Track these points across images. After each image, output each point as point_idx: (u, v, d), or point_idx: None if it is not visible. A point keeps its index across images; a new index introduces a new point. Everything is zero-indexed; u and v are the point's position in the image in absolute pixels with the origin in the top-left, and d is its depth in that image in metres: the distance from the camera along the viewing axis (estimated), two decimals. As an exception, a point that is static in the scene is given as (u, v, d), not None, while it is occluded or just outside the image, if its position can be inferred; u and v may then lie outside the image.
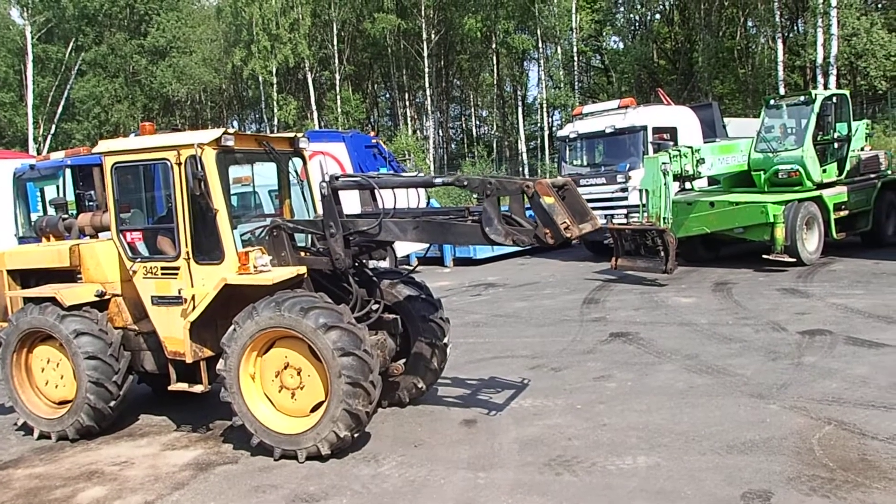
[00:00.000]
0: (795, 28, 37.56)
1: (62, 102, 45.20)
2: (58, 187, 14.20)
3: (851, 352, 8.25)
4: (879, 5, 35.10)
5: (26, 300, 7.30)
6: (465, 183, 6.14)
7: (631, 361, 8.60)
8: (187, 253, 6.53)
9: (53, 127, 45.02)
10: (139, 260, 6.85)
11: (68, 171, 14.08)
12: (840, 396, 6.76)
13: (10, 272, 7.74)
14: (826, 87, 27.63)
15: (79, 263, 7.28)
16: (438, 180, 6.86)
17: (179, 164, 6.44)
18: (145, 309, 6.89)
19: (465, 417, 7.02)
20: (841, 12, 28.27)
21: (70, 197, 13.70)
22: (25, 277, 7.74)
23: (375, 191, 6.58)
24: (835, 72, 28.86)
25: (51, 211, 12.55)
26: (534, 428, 6.58)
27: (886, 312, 9.94)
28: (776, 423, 6.24)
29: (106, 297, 7.14)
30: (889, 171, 16.59)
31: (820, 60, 28.98)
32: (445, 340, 7.41)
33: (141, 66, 47.16)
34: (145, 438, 7.10)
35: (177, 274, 6.62)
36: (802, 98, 15.42)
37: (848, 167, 15.54)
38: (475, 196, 6.67)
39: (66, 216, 8.41)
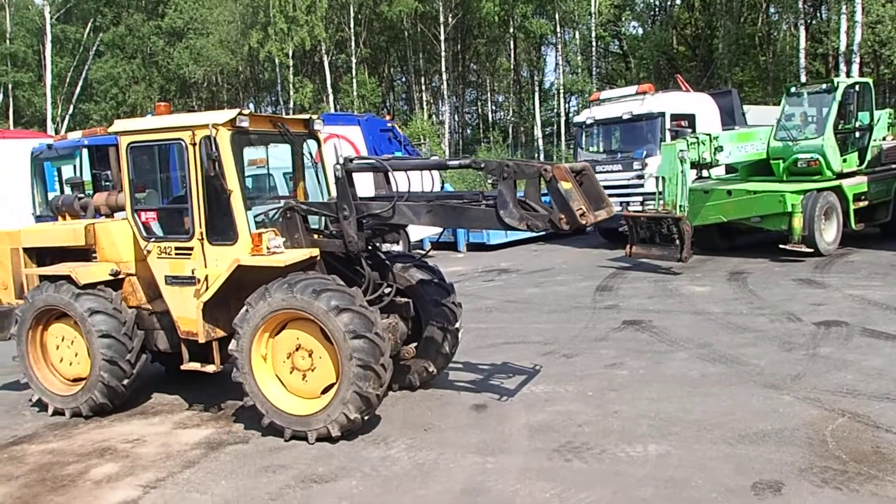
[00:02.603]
0: (818, 15, 37.00)
1: (80, 83, 45.38)
2: (74, 167, 14.27)
3: (867, 343, 8.17)
4: (905, -7, 34.49)
5: (42, 278, 7.34)
6: (483, 165, 6.11)
7: (643, 349, 8.56)
8: (201, 233, 6.54)
9: (71, 107, 45.25)
10: (153, 240, 6.88)
11: (85, 151, 14.15)
12: (854, 388, 6.70)
13: (26, 250, 7.79)
14: (849, 75, 27.21)
15: (94, 242, 7.32)
16: (454, 162, 6.84)
17: (194, 145, 6.44)
18: (159, 288, 6.93)
19: (475, 402, 7.02)
20: (866, -1, 27.82)
21: (87, 176, 13.78)
22: (41, 256, 7.79)
23: (389, 174, 6.56)
24: (858, 60, 28.41)
25: (67, 190, 12.65)
26: (544, 414, 6.57)
27: (904, 304, 9.84)
28: (789, 413, 6.19)
29: (120, 276, 7.18)
30: (910, 162, 16.35)
31: (843, 48, 28.53)
32: (457, 325, 7.40)
33: (158, 47, 47.23)
34: (157, 417, 7.16)
35: (190, 254, 6.65)
36: (824, 86, 15.21)
37: (869, 157, 15.34)
38: (490, 181, 6.64)
39: (81, 195, 8.44)
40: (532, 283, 13.74)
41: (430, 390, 7.42)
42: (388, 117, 21.95)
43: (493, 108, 52.82)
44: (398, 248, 14.40)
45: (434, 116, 45.40)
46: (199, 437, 6.51)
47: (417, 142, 32.81)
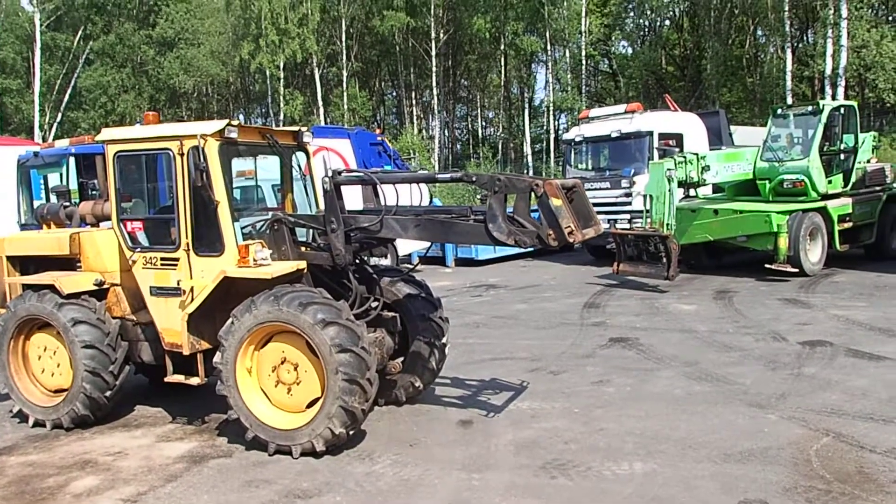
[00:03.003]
0: (805, 38, 37.53)
1: (69, 91, 45.23)
2: (61, 175, 14.17)
3: (851, 364, 8.21)
4: (890, 18, 35.03)
5: (25, 287, 7.27)
6: (474, 178, 6.11)
7: (630, 367, 8.56)
8: (187, 244, 6.50)
9: (59, 115, 45.06)
10: (139, 250, 6.82)
11: (72, 160, 14.05)
12: (839, 408, 6.72)
13: (9, 258, 7.72)
14: (834, 97, 27.56)
15: (78, 252, 7.24)
16: (444, 176, 6.84)
17: (182, 155, 6.41)
18: (144, 299, 6.86)
19: (461, 418, 6.99)
20: (851, 24, 28.22)
21: (73, 185, 13.68)
22: (25, 264, 7.71)
23: (378, 187, 6.55)
24: (843, 83, 28.80)
25: (53, 198, 12.55)
26: (530, 430, 6.54)
27: (888, 325, 9.90)
28: (774, 432, 6.20)
29: (105, 286, 7.11)
30: (895, 185, 16.51)
31: (829, 71, 28.93)
32: (444, 340, 7.38)
33: (148, 56, 47.21)
34: (140, 429, 7.08)
35: (176, 265, 6.59)
36: (810, 108, 15.36)
37: (854, 179, 15.47)
38: (479, 196, 6.64)
39: (67, 204, 8.39)
40: (520, 298, 13.74)
41: (417, 405, 7.38)
42: (378, 131, 21.98)
43: (483, 123, 53.11)
44: (386, 261, 14.37)
45: (424, 131, 45.55)
46: (182, 450, 6.44)
47: (407, 156, 32.87)
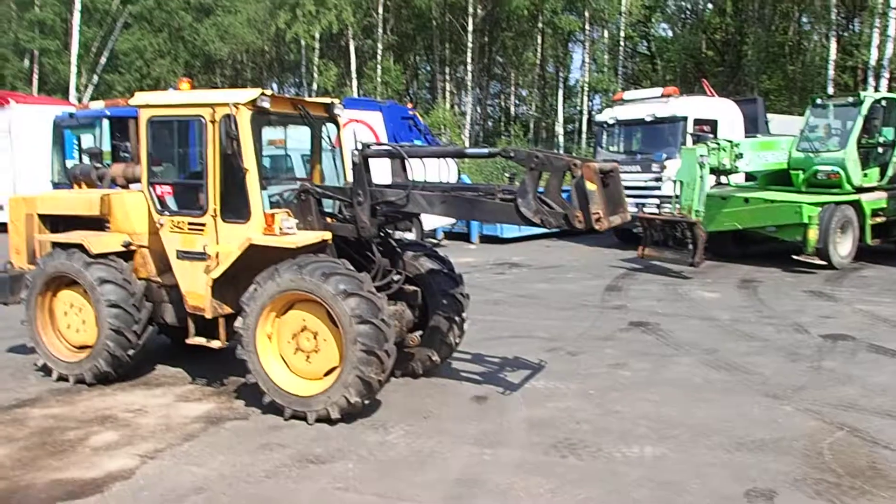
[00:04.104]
0: (851, 27, 36.57)
1: (106, 53, 45.56)
2: (95, 136, 14.39)
3: (873, 359, 8.12)
4: (939, 9, 34.00)
5: (54, 245, 7.41)
6: (512, 154, 6.09)
7: (648, 351, 8.55)
8: (215, 210, 6.58)
9: (95, 77, 45.45)
10: (167, 213, 6.93)
11: (106, 122, 14.27)
12: (856, 403, 6.67)
13: (41, 216, 7.87)
14: (877, 89, 26.92)
15: (108, 213, 7.36)
16: (475, 150, 6.82)
17: (214, 122, 6.47)
18: (170, 262, 6.98)
19: (476, 393, 7.05)
20: (899, 14, 27.46)
21: (106, 147, 13.88)
22: (55, 223, 7.86)
23: (406, 161, 6.58)
24: (887, 75, 28.08)
25: (86, 159, 12.75)
26: (544, 409, 6.58)
27: (914, 323, 9.76)
28: (788, 424, 6.18)
29: (132, 247, 7.24)
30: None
31: (873, 62, 28.21)
32: (464, 316, 7.43)
33: (186, 22, 47.36)
34: (160, 388, 7.24)
35: (203, 230, 6.69)
36: (851, 99, 15.10)
37: (890, 173, 15.19)
38: (507, 175, 6.62)
39: (99, 165, 8.51)
40: (542, 278, 13.74)
41: (433, 379, 7.45)
42: (410, 105, 21.96)
43: (517, 101, 52.59)
44: (410, 235, 14.44)
45: (456, 107, 45.28)
46: (200, 411, 6.58)
47: (438, 132, 32.78)
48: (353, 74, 41.81)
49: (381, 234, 7.07)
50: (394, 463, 5.45)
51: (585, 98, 41.27)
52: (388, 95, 39.02)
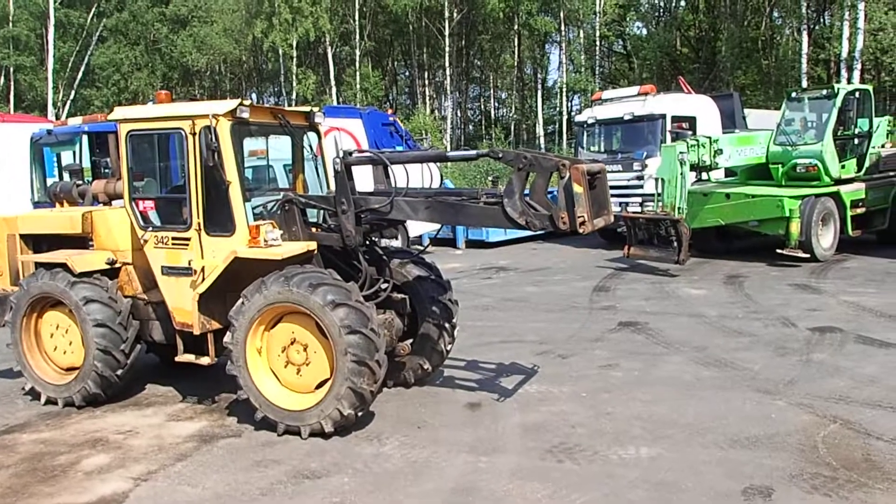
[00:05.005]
0: (821, 21, 36.96)
1: (82, 68, 45.22)
2: (74, 153, 14.22)
3: (861, 350, 8.19)
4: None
5: (38, 265, 7.33)
6: (500, 155, 6.08)
7: (638, 351, 8.57)
8: (199, 224, 6.52)
9: (73, 92, 45.09)
10: (151, 229, 6.86)
11: (85, 138, 14.09)
12: (847, 395, 6.71)
13: (22, 236, 7.77)
14: (850, 81, 27.24)
15: (91, 230, 7.29)
16: (458, 154, 6.79)
17: (194, 135, 6.42)
18: (155, 279, 6.90)
19: (469, 400, 7.03)
20: (868, 6, 27.81)
21: (86, 163, 13.72)
22: (38, 242, 7.76)
23: (389, 168, 6.55)
24: (859, 66, 28.44)
25: (66, 177, 12.61)
26: (538, 414, 6.57)
27: (899, 312, 9.85)
28: (781, 419, 6.21)
29: (116, 265, 7.16)
30: (909, 170, 16.36)
31: (845, 54, 28.54)
32: (453, 322, 7.41)
33: (162, 34, 47.11)
34: (151, 408, 7.15)
35: (187, 244, 6.63)
36: (825, 92, 15.22)
37: (867, 164, 15.35)
38: (490, 179, 6.60)
39: (80, 182, 8.43)
40: (530, 281, 13.74)
41: (425, 388, 7.42)
42: (390, 111, 21.91)
43: (496, 104, 52.76)
44: (397, 243, 14.38)
45: (436, 111, 45.35)
46: (192, 429, 6.51)
47: (419, 137, 32.77)
48: (332, 82, 41.75)
49: (367, 242, 7.04)
50: (390, 475, 5.42)
51: (564, 98, 41.46)
52: (367, 102, 39.01)
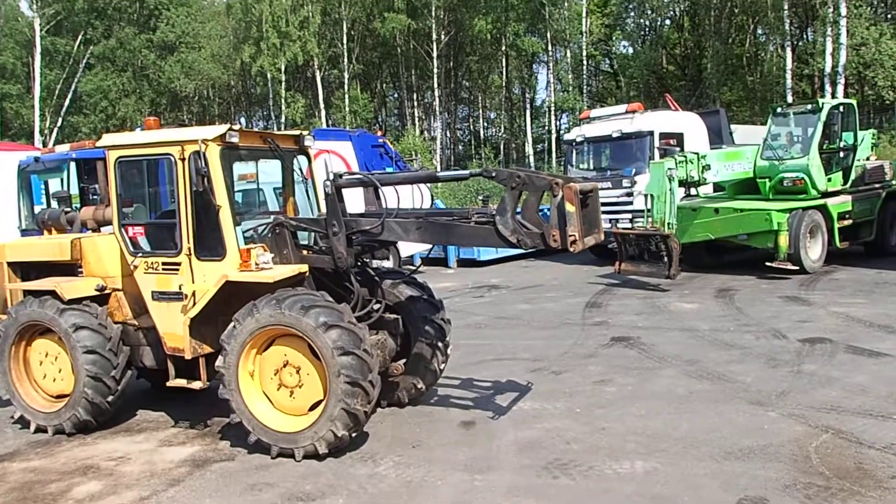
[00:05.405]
0: (805, 37, 37.50)
1: (69, 95, 45.27)
2: (62, 180, 14.21)
3: (851, 360, 8.22)
4: (889, 15, 35.04)
5: (26, 293, 7.28)
6: (494, 174, 6.09)
7: (631, 366, 8.58)
8: (189, 249, 6.53)
9: (60, 120, 45.11)
10: (140, 255, 6.85)
11: (73, 165, 14.09)
12: (839, 405, 6.74)
13: (10, 264, 7.73)
14: (834, 96, 27.56)
15: (80, 257, 7.28)
16: (465, 172, 6.81)
17: (183, 160, 6.44)
18: (145, 304, 6.89)
19: (463, 419, 7.01)
20: (850, 22, 28.23)
21: (74, 190, 13.71)
22: (26, 270, 7.73)
23: (379, 190, 6.58)
24: (843, 81, 28.79)
25: (54, 204, 12.59)
26: (532, 431, 6.56)
27: (887, 322, 9.91)
28: (774, 430, 6.22)
29: (106, 291, 7.14)
30: (894, 182, 16.52)
31: (828, 69, 28.93)
32: (446, 341, 7.41)
33: (149, 60, 47.25)
34: (142, 434, 7.10)
35: (178, 270, 6.62)
36: (809, 106, 15.40)
37: (853, 176, 15.50)
38: (480, 198, 6.63)
39: (68, 209, 8.41)
40: (522, 299, 13.76)
41: (419, 407, 7.40)
42: (379, 133, 22.00)
43: (485, 124, 53.05)
44: (389, 264, 14.37)
45: (426, 132, 45.56)
46: (185, 454, 6.47)
47: (409, 158, 32.88)
48: (322, 105, 41.94)
49: (359, 263, 7.06)
50: (385, 495, 5.39)
51: (553, 117, 41.74)
52: (357, 124, 39.17)
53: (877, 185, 16.08)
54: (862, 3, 28.89)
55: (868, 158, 16.45)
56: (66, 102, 45.26)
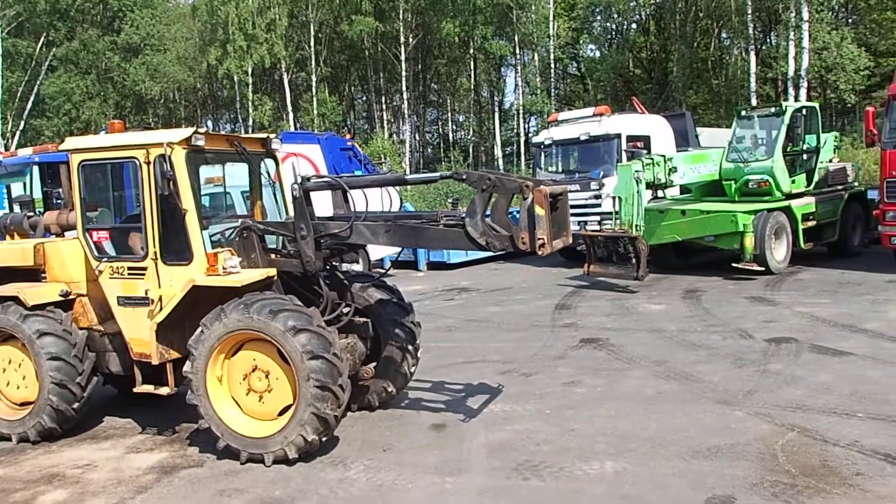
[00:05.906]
0: (768, 41, 38.13)
1: (32, 98, 44.43)
2: (24, 184, 13.95)
3: (816, 359, 8.37)
4: (850, 20, 35.81)
5: (-12, 299, 7.13)
6: (464, 176, 6.08)
7: (601, 367, 8.64)
8: (155, 253, 6.44)
9: (22, 123, 44.23)
10: (105, 259, 6.75)
11: (35, 168, 13.84)
12: (804, 403, 6.85)
13: (-28, 270, 7.57)
14: (797, 99, 28.08)
15: (43, 262, 7.14)
16: (436, 175, 6.81)
17: (148, 164, 6.35)
18: (111, 309, 6.79)
19: (434, 422, 7.01)
20: (812, 26, 28.80)
21: (37, 194, 13.46)
22: (-12, 276, 7.57)
23: (347, 193, 6.55)
24: (805, 84, 29.36)
25: (16, 208, 12.34)
26: (503, 433, 6.58)
27: (851, 321, 10.10)
28: (741, 429, 6.31)
29: (71, 296, 7.02)
30: (856, 184, 16.89)
31: (791, 73, 29.47)
32: (416, 344, 7.40)
33: (113, 63, 46.54)
34: (109, 441, 6.99)
35: (144, 274, 6.53)
36: (773, 110, 15.66)
37: (816, 178, 15.78)
38: (449, 201, 6.64)
39: (31, 214, 8.24)
40: (492, 301, 13.80)
41: (390, 410, 7.38)
42: (348, 136, 21.89)
43: (454, 127, 53.15)
44: (358, 267, 14.32)
45: (395, 135, 45.50)
46: (153, 461, 6.38)
47: (378, 161, 32.82)
48: (289, 108, 41.69)
49: (328, 267, 7.02)
50: (356, 499, 5.37)
51: (521, 120, 41.93)
52: (325, 127, 38.98)
53: (839, 187, 16.41)
54: (823, 9, 29.48)
55: (831, 160, 16.77)
56: (29, 105, 44.43)
